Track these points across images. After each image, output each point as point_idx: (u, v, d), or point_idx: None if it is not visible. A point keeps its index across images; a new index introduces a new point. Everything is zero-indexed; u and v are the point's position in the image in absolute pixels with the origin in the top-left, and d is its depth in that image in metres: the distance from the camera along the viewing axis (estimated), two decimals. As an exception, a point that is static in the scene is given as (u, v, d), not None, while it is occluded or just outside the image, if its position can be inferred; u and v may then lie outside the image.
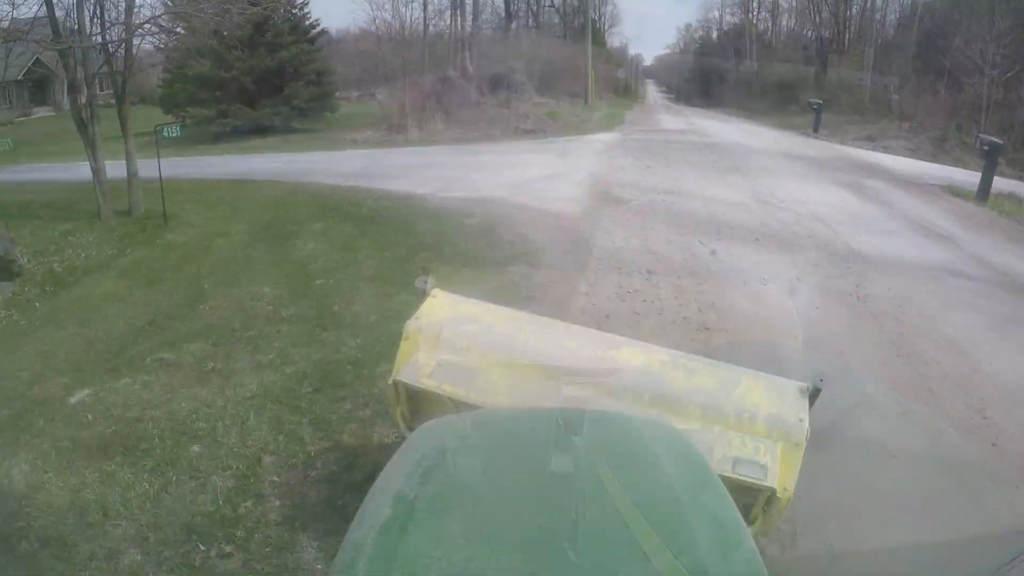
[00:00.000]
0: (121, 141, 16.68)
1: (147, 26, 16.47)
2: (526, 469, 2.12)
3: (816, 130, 31.73)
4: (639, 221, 13.72)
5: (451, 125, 30.43)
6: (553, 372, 3.53)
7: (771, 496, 3.21)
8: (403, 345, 3.89)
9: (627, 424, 2.65)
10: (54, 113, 53.48)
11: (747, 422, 3.41)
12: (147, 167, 16.46)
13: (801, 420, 3.39)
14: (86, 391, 7.57)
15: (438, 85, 32.67)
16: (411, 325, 3.95)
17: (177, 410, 6.92)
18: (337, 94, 40.52)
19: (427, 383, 3.66)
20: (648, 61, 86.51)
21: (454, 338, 3.86)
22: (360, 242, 13.15)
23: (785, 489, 3.21)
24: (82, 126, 16.04)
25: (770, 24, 56.58)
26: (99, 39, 16.31)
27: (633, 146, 23.93)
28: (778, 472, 3.23)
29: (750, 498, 3.22)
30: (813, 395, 3.53)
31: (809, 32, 50.32)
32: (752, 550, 1.86)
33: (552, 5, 51.50)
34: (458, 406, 3.51)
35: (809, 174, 19.91)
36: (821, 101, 33.46)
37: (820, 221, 14.06)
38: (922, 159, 25.07)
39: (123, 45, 16.39)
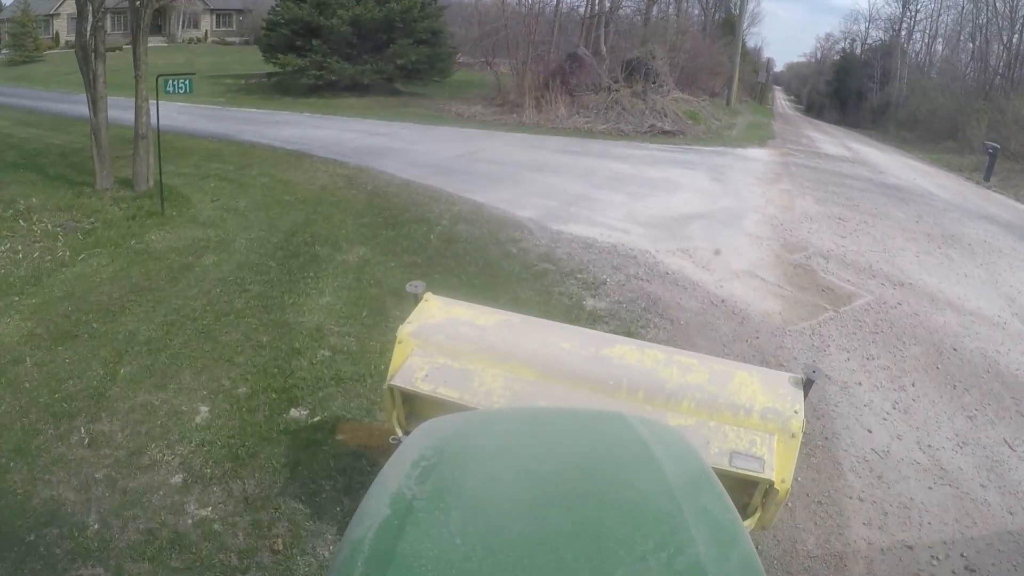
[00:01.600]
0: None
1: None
2: (525, 468, 1.91)
3: (988, 178, 25.05)
4: (889, 362, 7.60)
5: (575, 111, 24.27)
6: (548, 372, 3.40)
7: (769, 488, 2.95)
8: (397, 349, 3.62)
9: (623, 423, 2.18)
10: (165, 44, 49.57)
11: (742, 415, 3.14)
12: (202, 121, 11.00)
13: (796, 412, 3.14)
14: None
15: (565, 63, 26.38)
16: (404, 329, 3.70)
17: None
18: (459, 58, 34.74)
19: (422, 387, 3.40)
20: (779, 67, 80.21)
21: (448, 341, 3.61)
22: (404, 307, 7.50)
23: (783, 480, 2.95)
24: (84, 67, 10.82)
25: (925, 46, 48.45)
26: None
27: (803, 177, 17.42)
28: (775, 464, 2.97)
29: (748, 491, 3.03)
30: (807, 386, 3.28)
31: (968, 61, 42.11)
32: (749, 550, 1.69)
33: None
34: (454, 409, 3.15)
35: None
36: (998, 145, 26.43)
37: None
38: None
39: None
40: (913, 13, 48.67)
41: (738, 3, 44.19)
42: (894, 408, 6.59)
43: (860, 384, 6.91)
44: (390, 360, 3.64)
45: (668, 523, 1.67)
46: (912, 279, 10.23)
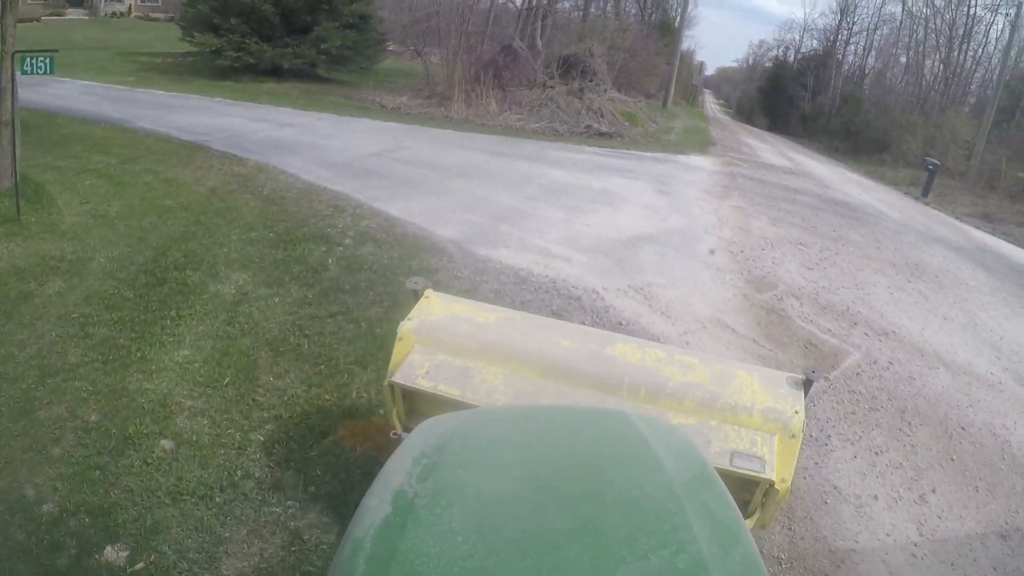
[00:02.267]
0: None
1: None
2: (526, 466, 1.89)
3: (926, 194, 24.34)
4: (900, 456, 5.98)
5: (507, 107, 22.31)
6: (549, 370, 3.34)
7: (769, 488, 2.92)
8: (397, 346, 3.56)
9: (625, 421, 2.17)
10: (87, 17, 45.92)
11: (743, 415, 3.12)
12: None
13: (797, 412, 3.12)
14: None
15: (499, 55, 24.38)
16: (404, 326, 3.61)
17: None
18: (390, 46, 32.34)
19: (423, 384, 3.32)
20: (710, 71, 79.80)
21: (448, 338, 3.52)
22: (282, 367, 5.96)
23: (783, 480, 2.93)
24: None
25: (859, 58, 47.93)
26: None
27: (752, 191, 15.83)
28: (775, 464, 2.94)
29: (748, 491, 2.99)
30: (806, 386, 3.25)
31: (903, 76, 41.56)
32: (751, 548, 1.68)
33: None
34: (454, 406, 3.09)
35: (1001, 287, 12.15)
36: (938, 162, 25.72)
37: None
38: None
39: None
40: (849, 25, 48.11)
41: (675, 5, 42.96)
42: (920, 535, 4.93)
43: (876, 498, 5.21)
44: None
45: (670, 521, 1.64)
46: (894, 325, 8.66)
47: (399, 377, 3.37)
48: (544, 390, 3.22)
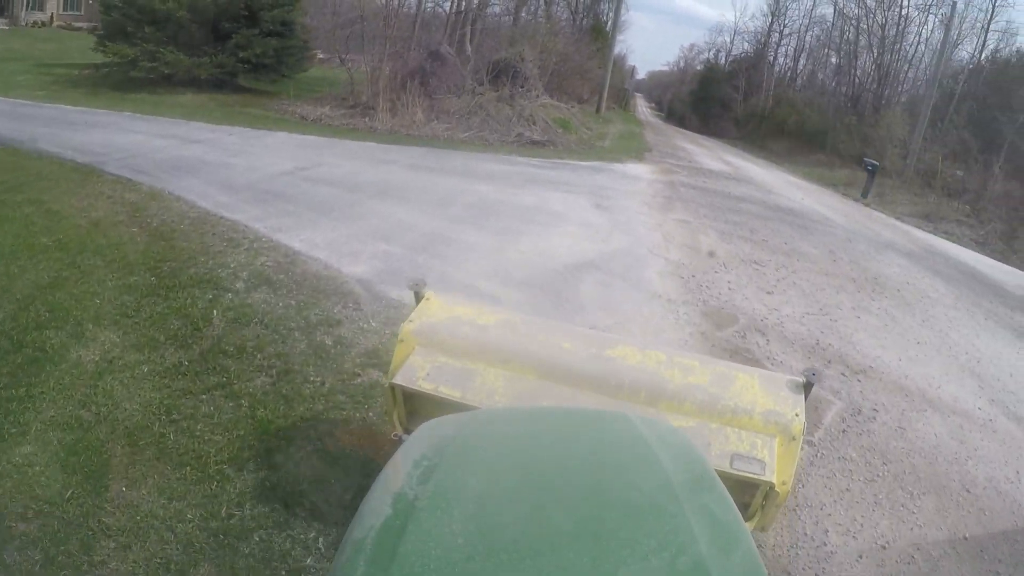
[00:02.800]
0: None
1: None
2: (527, 468, 1.89)
3: (865, 195, 23.80)
4: (909, 545, 4.83)
5: (434, 116, 20.93)
6: (550, 372, 3.29)
7: (769, 491, 2.88)
8: (398, 347, 3.48)
9: (625, 422, 2.18)
10: (7, 27, 43.05)
11: (744, 418, 3.07)
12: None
13: (797, 415, 3.07)
14: None
15: (426, 62, 22.96)
16: (406, 327, 3.54)
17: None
18: (319, 54, 30.61)
19: (424, 385, 3.27)
20: (641, 75, 79.50)
21: (449, 340, 3.46)
22: (140, 466, 4.63)
23: (784, 483, 2.89)
24: None
25: (791, 60, 47.66)
26: None
27: (695, 201, 14.74)
28: (776, 466, 2.90)
29: (748, 493, 2.96)
30: (807, 388, 3.21)
31: (835, 76, 41.28)
32: (751, 549, 1.67)
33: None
34: (455, 408, 3.05)
35: (961, 296, 11.44)
36: (877, 163, 25.26)
37: None
38: (991, 255, 17.94)
39: None
40: (780, 27, 47.80)
41: (607, 10, 42.05)
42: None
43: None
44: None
45: (670, 522, 1.64)
46: (869, 358, 7.60)
47: (400, 379, 3.32)
48: (545, 392, 3.19)
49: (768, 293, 8.96)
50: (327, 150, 15.08)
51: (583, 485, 1.77)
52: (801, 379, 3.24)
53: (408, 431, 3.38)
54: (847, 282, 10.53)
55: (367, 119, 20.42)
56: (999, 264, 16.73)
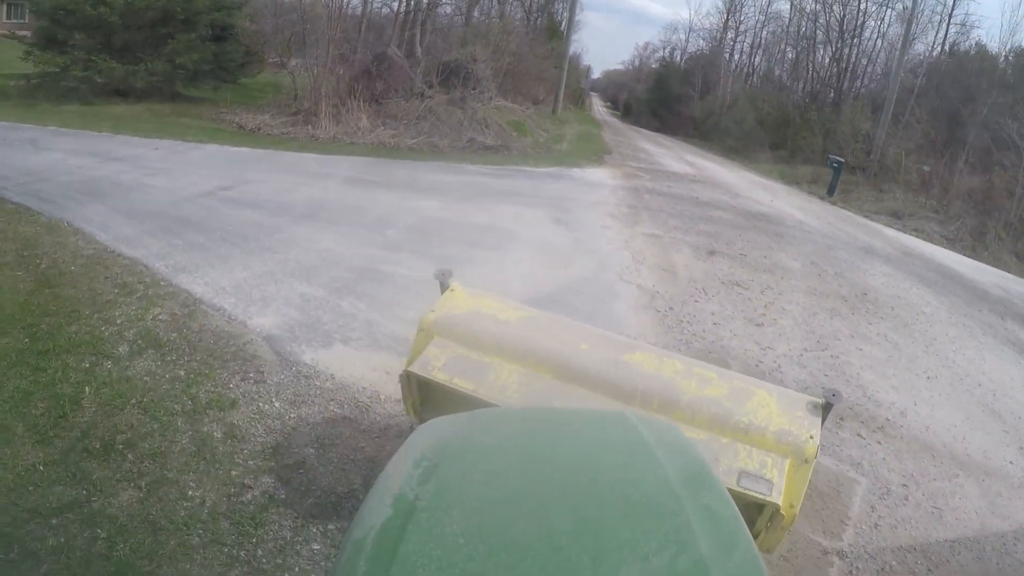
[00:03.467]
0: None
1: None
2: (527, 468, 1.82)
3: (832, 192, 23.04)
4: None
5: (381, 121, 19.39)
6: (564, 372, 3.26)
7: (775, 512, 2.76)
8: (418, 336, 3.51)
9: (625, 422, 2.08)
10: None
11: (756, 435, 2.97)
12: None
13: (812, 437, 2.97)
14: None
15: (372, 64, 21.41)
16: (427, 317, 3.54)
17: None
18: (271, 58, 28.62)
19: (438, 376, 3.26)
20: (596, 74, 78.52)
21: (468, 332, 3.44)
22: None
23: (791, 506, 2.82)
24: None
25: (747, 56, 46.79)
26: None
27: (662, 210, 13.44)
28: (784, 487, 2.79)
29: (754, 513, 2.82)
30: (825, 410, 3.13)
31: (791, 71, 40.40)
32: (751, 548, 1.62)
33: (517, -2, 40.45)
34: (468, 400, 3.14)
35: (953, 308, 10.51)
36: (842, 159, 24.52)
37: None
38: (962, 252, 17.49)
39: None
40: (736, 24, 46.83)
41: (561, 9, 40.76)
42: None
43: None
44: None
45: (670, 522, 1.61)
46: (883, 407, 6.46)
47: (416, 368, 3.27)
48: (557, 391, 3.13)
49: (758, 325, 7.68)
50: (257, 165, 13.53)
51: (583, 485, 1.70)
52: (820, 400, 3.14)
53: (422, 420, 3.29)
54: (838, 302, 9.34)
55: (309, 127, 18.83)
56: (972, 263, 16.03)
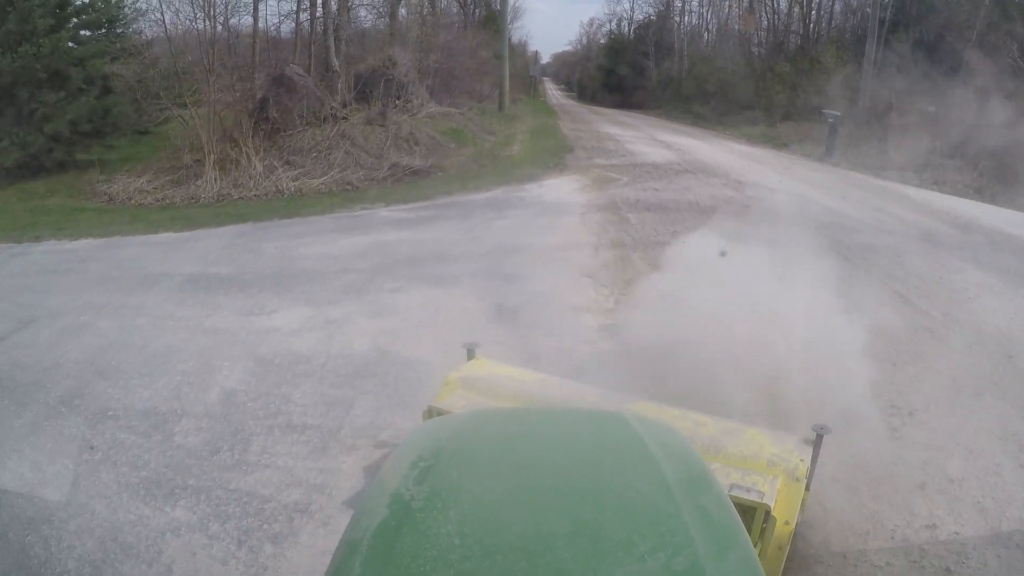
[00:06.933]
0: None
1: None
2: (523, 469, 1.73)
3: (831, 154, 19.03)
4: None
5: (281, 162, 14.69)
6: None
7: (768, 518, 2.65)
8: (444, 388, 3.66)
9: (622, 423, 1.99)
10: None
11: (749, 461, 2.94)
12: None
13: (802, 460, 2.95)
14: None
15: (269, 92, 16.61)
16: (452, 375, 3.73)
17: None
18: (177, 107, 23.50)
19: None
20: (546, 59, 74.01)
21: (488, 386, 3.62)
22: None
23: (787, 523, 2.74)
24: None
25: (700, 16, 42.06)
26: None
27: (658, 241, 8.84)
28: (777, 500, 2.71)
29: (746, 521, 2.46)
30: (816, 443, 3.06)
31: (752, 27, 35.68)
32: (748, 550, 1.55)
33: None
34: None
35: None
36: (838, 113, 20.25)
37: None
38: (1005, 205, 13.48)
39: None
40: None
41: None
42: None
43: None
44: None
45: (667, 523, 1.54)
46: None
47: (440, 404, 3.38)
48: None
49: None
50: (69, 277, 8.74)
51: (579, 486, 1.64)
52: (812, 436, 3.10)
53: None
54: (1002, 402, 4.88)
55: (192, 186, 14.13)
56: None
